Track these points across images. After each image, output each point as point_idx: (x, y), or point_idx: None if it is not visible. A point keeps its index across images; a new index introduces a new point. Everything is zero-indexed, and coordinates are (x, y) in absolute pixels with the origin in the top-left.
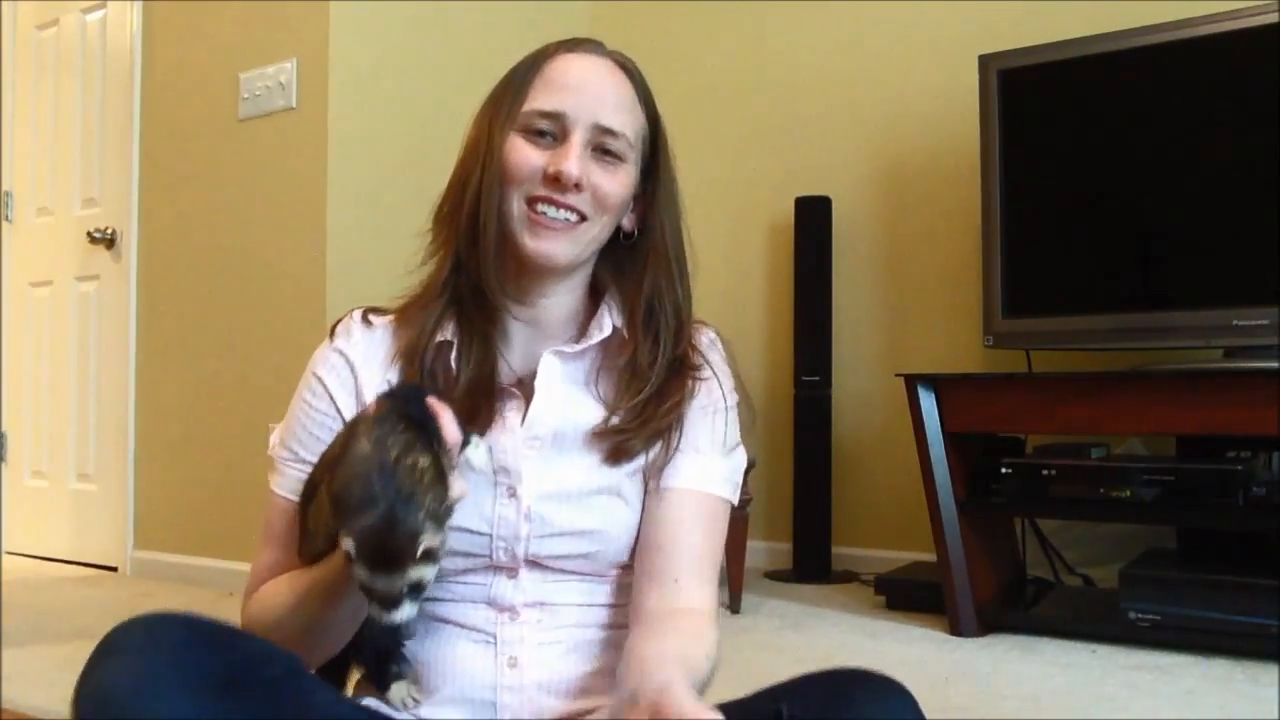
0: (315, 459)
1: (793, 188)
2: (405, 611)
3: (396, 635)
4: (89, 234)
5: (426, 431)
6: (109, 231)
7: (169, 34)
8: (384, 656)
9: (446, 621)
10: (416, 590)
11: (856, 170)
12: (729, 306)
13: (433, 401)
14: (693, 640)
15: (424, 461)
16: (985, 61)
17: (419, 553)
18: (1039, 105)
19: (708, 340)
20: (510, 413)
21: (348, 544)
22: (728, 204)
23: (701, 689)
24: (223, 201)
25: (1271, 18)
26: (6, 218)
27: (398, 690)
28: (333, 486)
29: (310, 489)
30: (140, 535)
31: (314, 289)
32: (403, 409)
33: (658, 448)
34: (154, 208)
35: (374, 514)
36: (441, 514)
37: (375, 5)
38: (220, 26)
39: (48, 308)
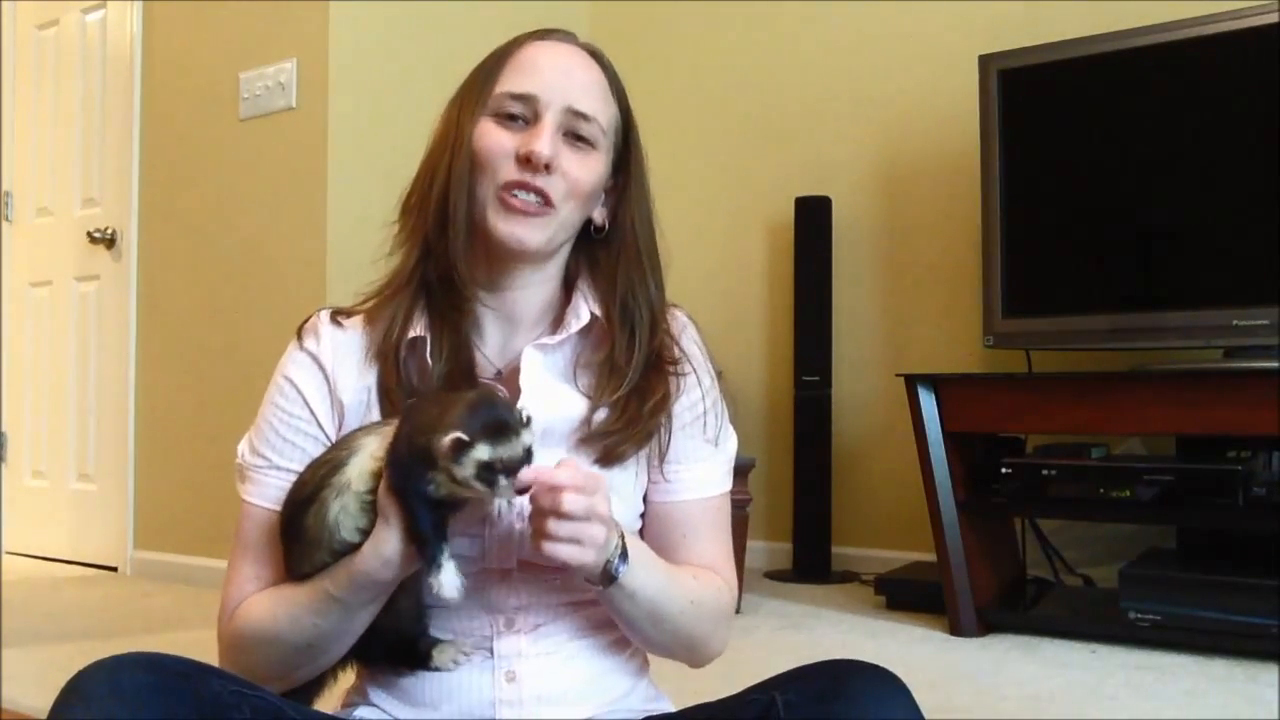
0: (295, 465)
1: (793, 188)
2: (514, 492)
3: (422, 620)
4: (89, 234)
5: None
6: (109, 231)
7: (169, 34)
8: (412, 637)
9: (441, 637)
10: (520, 464)
11: (856, 170)
12: (729, 306)
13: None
14: (706, 575)
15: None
16: (985, 61)
17: (525, 419)
18: (1039, 105)
19: (680, 325)
20: None
21: (453, 435)
22: (727, 204)
23: (705, 611)
24: (223, 201)
25: (1271, 18)
26: (6, 218)
27: (441, 654)
28: (409, 433)
29: (305, 497)
30: (140, 535)
31: (314, 289)
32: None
33: (648, 448)
34: (154, 208)
35: (466, 399)
36: None
37: (375, 5)
38: (220, 26)
39: (48, 308)
